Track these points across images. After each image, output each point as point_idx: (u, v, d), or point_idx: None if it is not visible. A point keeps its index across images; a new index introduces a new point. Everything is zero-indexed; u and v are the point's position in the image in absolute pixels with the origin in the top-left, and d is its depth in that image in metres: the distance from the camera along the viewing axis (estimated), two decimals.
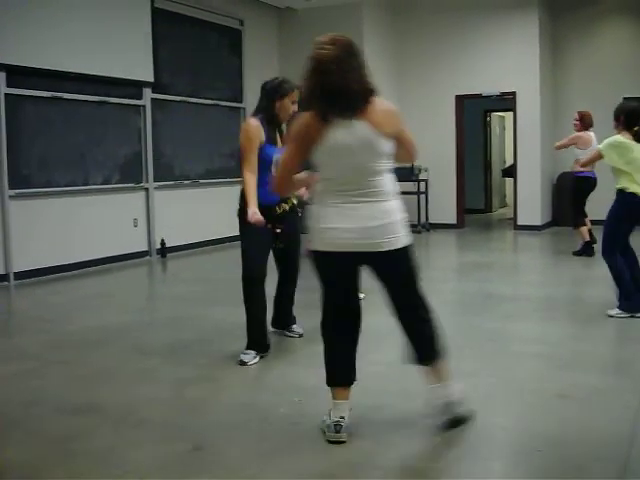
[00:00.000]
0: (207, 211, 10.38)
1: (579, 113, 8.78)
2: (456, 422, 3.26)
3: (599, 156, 5.54)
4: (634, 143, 5.40)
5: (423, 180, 11.76)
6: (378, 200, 3.07)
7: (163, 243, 9.58)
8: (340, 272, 3.22)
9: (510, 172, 12.67)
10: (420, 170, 11.57)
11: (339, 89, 2.97)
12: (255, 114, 4.54)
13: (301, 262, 4.88)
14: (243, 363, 4.42)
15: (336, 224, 3.06)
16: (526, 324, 5.38)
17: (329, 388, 3.32)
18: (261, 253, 4.54)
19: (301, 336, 5.08)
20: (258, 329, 4.55)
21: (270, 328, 5.01)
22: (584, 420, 3.42)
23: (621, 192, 5.41)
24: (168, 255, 9.58)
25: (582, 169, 7.85)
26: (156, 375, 4.34)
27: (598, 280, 6.28)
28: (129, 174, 9.18)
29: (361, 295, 5.34)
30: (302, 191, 4.73)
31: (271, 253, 4.74)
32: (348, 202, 3.05)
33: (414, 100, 12.01)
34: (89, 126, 8.54)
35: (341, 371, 3.30)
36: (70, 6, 8.08)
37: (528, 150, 11.62)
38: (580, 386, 3.89)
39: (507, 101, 12.05)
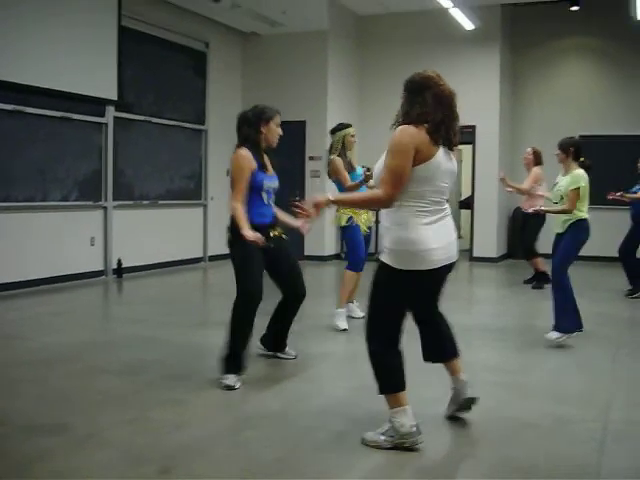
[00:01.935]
0: (166, 232, 10.30)
1: (533, 149, 9.06)
2: (472, 401, 3.75)
3: (578, 196, 5.67)
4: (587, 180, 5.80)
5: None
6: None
7: (120, 263, 9.44)
8: (433, 286, 3.52)
9: (467, 204, 12.86)
10: None
11: (455, 122, 3.33)
12: (242, 144, 4.54)
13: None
14: (230, 387, 4.34)
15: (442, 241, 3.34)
16: (488, 353, 5.44)
17: (389, 400, 3.40)
18: (260, 274, 4.51)
19: (295, 358, 5.07)
20: (243, 351, 4.49)
21: (259, 349, 5.02)
22: (552, 449, 3.45)
23: (581, 222, 5.71)
24: (124, 275, 9.44)
25: (534, 203, 8.28)
26: (120, 396, 4.24)
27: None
28: (88, 192, 9.05)
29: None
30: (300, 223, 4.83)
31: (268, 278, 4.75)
32: (443, 219, 3.37)
33: (375, 128, 12.09)
34: (50, 142, 8.41)
35: (403, 377, 3.42)
36: (37, 21, 7.98)
37: (486, 183, 11.82)
38: (546, 415, 3.93)
39: (465, 134, 12.22)
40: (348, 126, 6.38)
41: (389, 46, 12.29)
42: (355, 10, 12.19)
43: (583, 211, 5.73)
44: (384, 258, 3.34)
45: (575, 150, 5.82)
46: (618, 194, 8.01)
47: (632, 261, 8.26)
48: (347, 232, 6.30)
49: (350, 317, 6.44)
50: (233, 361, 4.45)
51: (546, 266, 8.68)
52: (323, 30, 11.48)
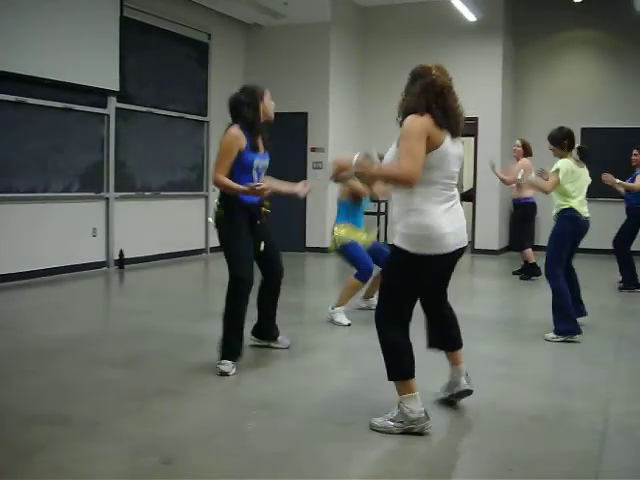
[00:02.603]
0: (167, 223, 10.30)
1: (521, 141, 9.20)
2: (468, 393, 3.83)
3: (558, 181, 5.63)
4: (577, 167, 5.72)
5: (383, 201, 11.82)
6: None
7: (122, 254, 9.45)
8: (444, 271, 3.60)
9: (469, 196, 12.84)
10: None
11: (457, 111, 3.44)
12: (235, 122, 4.57)
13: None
14: (224, 374, 4.39)
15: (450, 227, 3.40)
16: (491, 345, 5.43)
17: (398, 386, 3.46)
18: (251, 257, 4.58)
19: (288, 347, 5.08)
20: (237, 336, 4.54)
21: (251, 340, 5.03)
22: (554, 441, 3.45)
23: (565, 211, 5.61)
24: (126, 266, 9.44)
25: (526, 195, 8.75)
26: (120, 387, 4.25)
27: None
28: (90, 183, 9.04)
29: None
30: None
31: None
32: (454, 204, 3.45)
33: (376, 120, 12.11)
34: (52, 132, 8.39)
35: (413, 363, 3.47)
36: (39, 11, 7.95)
37: (488, 175, 11.77)
38: (548, 407, 3.94)
39: (467, 126, 12.16)
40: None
41: (391, 38, 12.26)
42: (357, 1, 12.16)
43: (569, 201, 5.61)
44: (398, 242, 3.41)
45: (569, 141, 5.75)
46: (616, 181, 7.97)
47: (625, 255, 8.23)
48: (343, 252, 6.25)
49: (370, 309, 6.51)
50: (228, 347, 4.50)
51: (536, 258, 8.79)
52: (325, 22, 11.45)
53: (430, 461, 3.26)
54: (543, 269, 5.80)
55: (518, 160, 9.04)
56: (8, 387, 4.23)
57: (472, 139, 12.26)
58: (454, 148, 3.44)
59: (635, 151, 8.30)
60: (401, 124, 3.41)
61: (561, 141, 5.74)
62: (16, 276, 7.94)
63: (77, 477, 2.96)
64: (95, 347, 5.24)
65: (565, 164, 5.65)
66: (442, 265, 3.52)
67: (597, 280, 8.66)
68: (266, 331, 5.09)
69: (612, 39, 11.91)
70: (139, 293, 8.01)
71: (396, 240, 3.43)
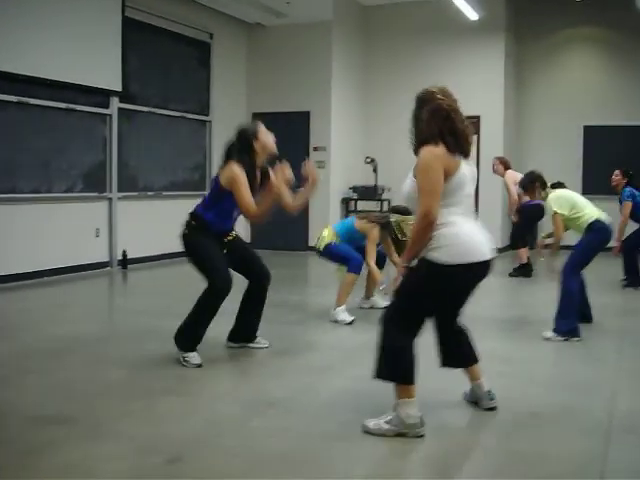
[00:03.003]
0: (170, 223, 10.27)
1: (499, 159, 9.63)
2: (491, 409, 3.79)
3: (563, 218, 5.65)
4: (566, 191, 5.78)
5: (386, 200, 11.82)
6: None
7: (125, 254, 9.46)
8: (471, 285, 3.55)
9: None
10: (383, 190, 11.65)
11: (466, 132, 3.43)
12: (230, 158, 4.63)
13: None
14: (199, 365, 4.57)
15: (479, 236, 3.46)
16: (493, 344, 5.42)
17: (398, 390, 3.43)
18: (226, 266, 4.66)
19: (268, 347, 5.10)
20: (203, 332, 4.69)
21: (228, 345, 5.07)
22: (558, 439, 3.45)
23: (593, 224, 5.61)
24: (129, 267, 9.46)
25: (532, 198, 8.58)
26: (124, 386, 4.26)
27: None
28: (93, 183, 9.06)
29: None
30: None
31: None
32: (472, 220, 3.49)
33: (380, 119, 12.13)
34: (54, 133, 8.41)
35: (414, 370, 3.44)
36: (41, 12, 7.98)
37: (490, 174, 11.77)
38: (551, 405, 3.94)
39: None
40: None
41: (393, 36, 12.25)
42: (360, 0, 12.16)
43: (587, 214, 5.64)
44: (430, 256, 3.35)
45: (541, 183, 5.84)
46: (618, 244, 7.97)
47: (630, 254, 8.26)
48: (329, 252, 6.31)
49: (372, 308, 6.59)
50: (193, 341, 4.65)
51: (526, 258, 8.87)
52: (327, 20, 11.46)
53: (433, 460, 3.26)
54: (562, 267, 5.77)
55: (502, 175, 9.38)
56: (12, 387, 4.24)
57: (474, 137, 12.23)
58: (469, 169, 3.46)
59: (617, 172, 8.33)
60: (415, 152, 3.43)
61: (532, 185, 5.87)
62: (20, 276, 7.96)
63: (81, 477, 2.97)
64: (98, 347, 5.26)
65: (555, 201, 5.67)
66: (471, 277, 3.49)
67: (600, 278, 8.65)
68: (245, 337, 5.11)
69: (615, 36, 11.90)
70: (142, 293, 8.03)
71: (427, 254, 3.36)
